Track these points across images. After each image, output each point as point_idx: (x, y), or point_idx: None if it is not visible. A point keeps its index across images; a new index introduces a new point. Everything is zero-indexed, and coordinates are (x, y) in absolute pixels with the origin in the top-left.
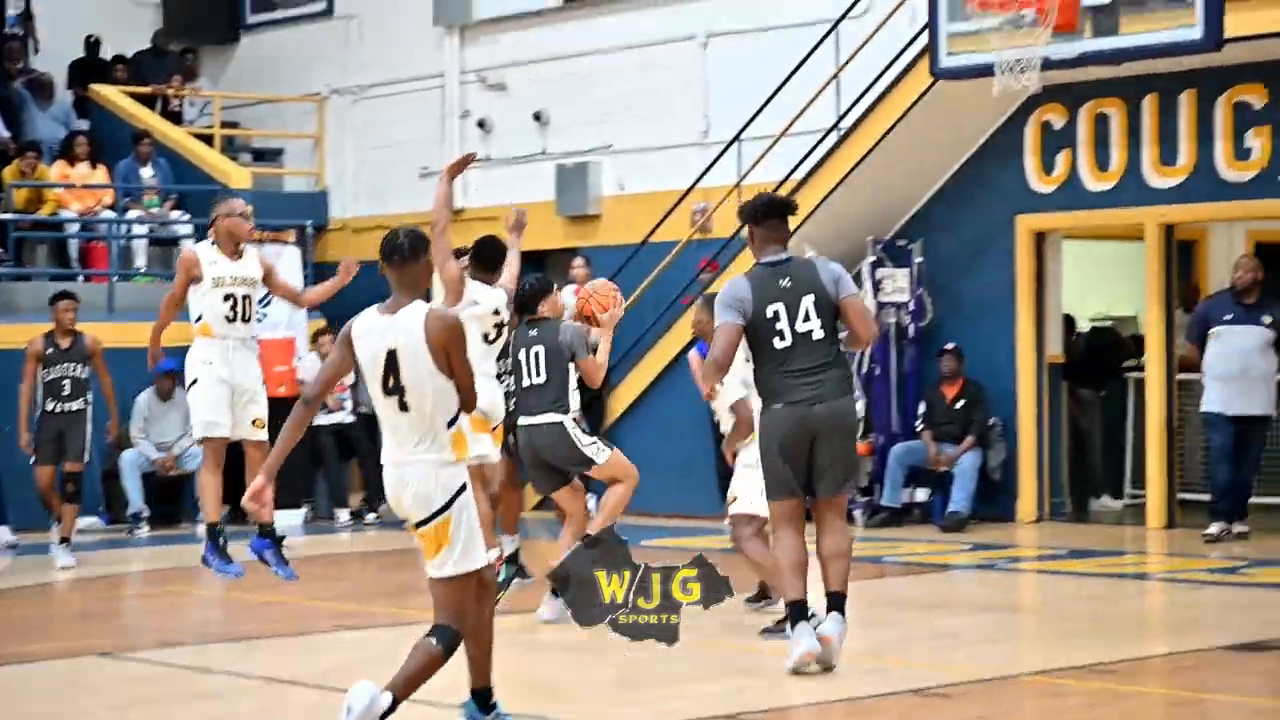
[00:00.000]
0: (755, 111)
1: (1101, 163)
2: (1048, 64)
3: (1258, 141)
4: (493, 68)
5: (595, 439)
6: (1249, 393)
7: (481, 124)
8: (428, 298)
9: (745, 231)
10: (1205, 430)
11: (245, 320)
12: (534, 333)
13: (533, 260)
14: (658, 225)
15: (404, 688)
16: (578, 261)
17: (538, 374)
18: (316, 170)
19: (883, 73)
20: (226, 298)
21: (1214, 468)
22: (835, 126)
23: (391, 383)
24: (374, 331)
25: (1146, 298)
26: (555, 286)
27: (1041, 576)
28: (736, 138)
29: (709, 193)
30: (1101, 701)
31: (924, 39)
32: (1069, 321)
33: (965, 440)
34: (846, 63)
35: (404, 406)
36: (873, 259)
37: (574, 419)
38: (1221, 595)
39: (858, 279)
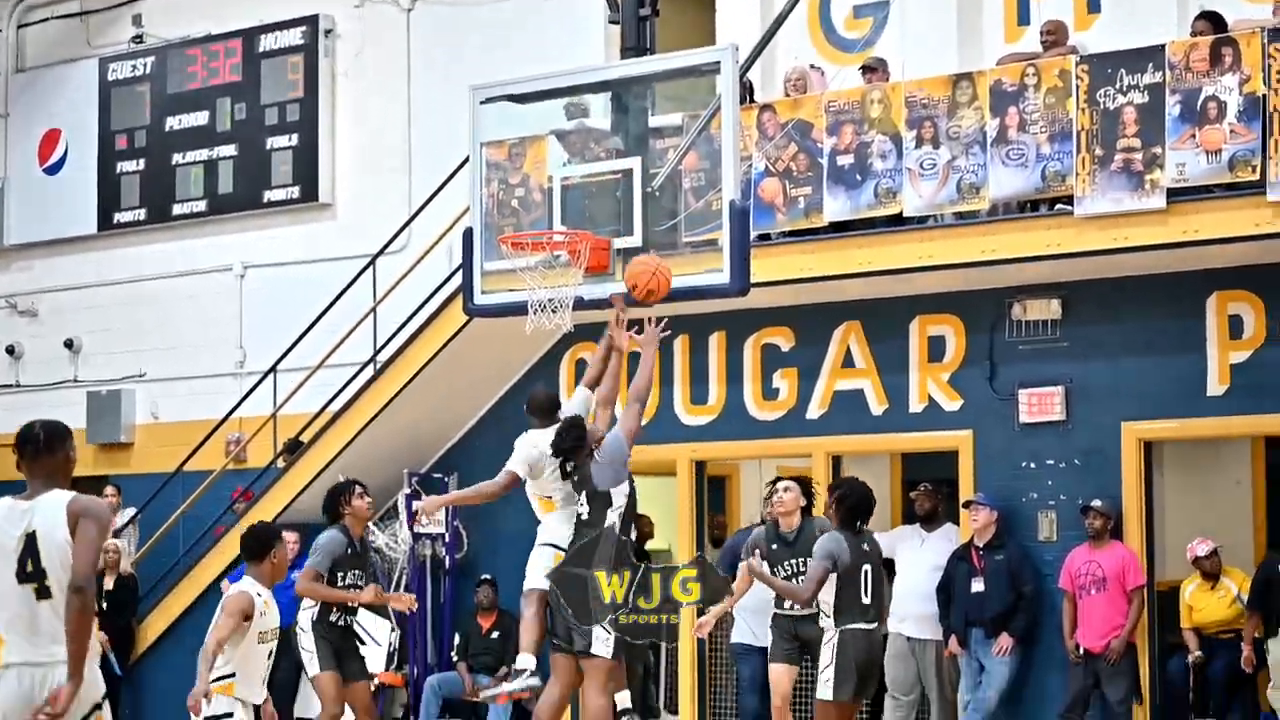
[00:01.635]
0: (292, 343)
1: None
2: (581, 304)
3: (785, 382)
4: (24, 294)
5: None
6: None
7: (11, 350)
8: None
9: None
10: (734, 662)
11: None
12: None
13: None
14: (191, 454)
15: None
16: (109, 490)
17: None
18: None
19: (420, 307)
20: None
21: (742, 699)
22: (372, 360)
23: (30, 568)
24: (10, 516)
25: (679, 531)
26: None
27: None
28: (273, 369)
29: (245, 422)
30: None
31: (460, 276)
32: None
33: (500, 671)
34: (383, 297)
35: (43, 593)
36: (408, 491)
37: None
38: None
39: (393, 510)
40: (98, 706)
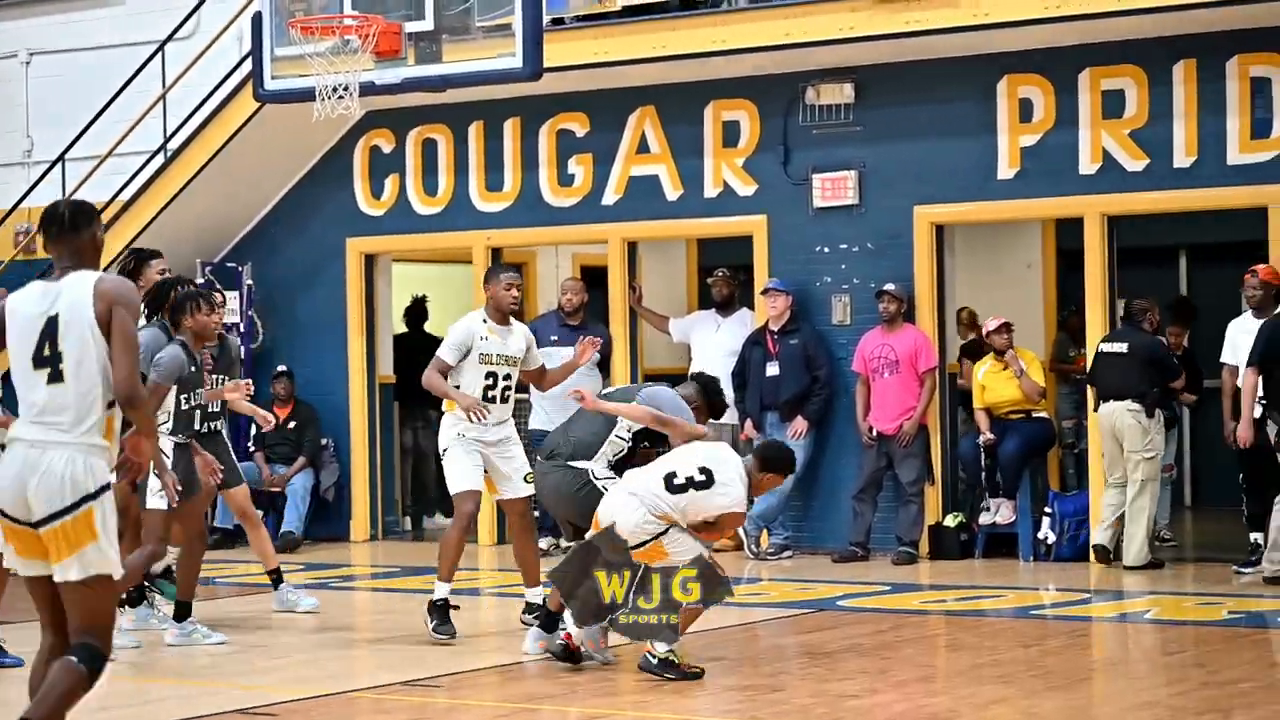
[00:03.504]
0: (80, 131)
1: (430, 187)
2: (373, 89)
3: (580, 168)
4: None
5: None
6: (574, 410)
7: None
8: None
9: None
10: (533, 448)
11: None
12: None
13: None
14: None
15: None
16: None
17: None
18: None
19: (210, 94)
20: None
21: None
22: (162, 148)
23: (48, 351)
24: (36, 298)
25: None
26: None
27: (374, 594)
28: (60, 158)
29: (33, 213)
30: (427, 714)
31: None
32: (402, 341)
33: (297, 461)
34: (173, 84)
35: (55, 377)
36: (202, 281)
37: None
38: None
39: None
40: (90, 497)
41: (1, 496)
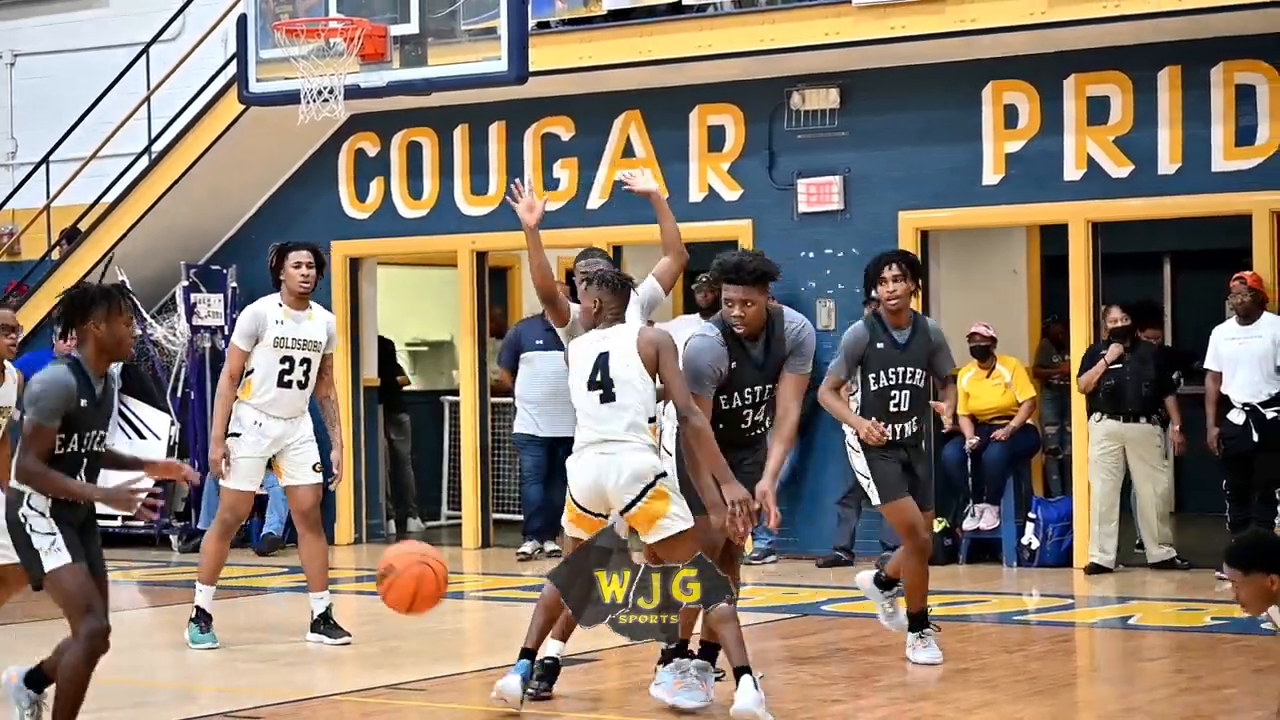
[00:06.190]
0: (64, 133)
1: (415, 191)
2: (358, 92)
3: (565, 173)
4: None
5: None
6: (559, 415)
7: None
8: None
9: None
10: (518, 452)
11: None
12: None
13: None
14: None
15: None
16: None
17: None
18: None
19: (195, 96)
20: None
21: (526, 488)
22: (147, 150)
23: (599, 378)
24: (587, 340)
25: (460, 323)
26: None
27: (359, 598)
28: (45, 160)
29: (17, 214)
30: (408, 718)
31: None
32: (388, 345)
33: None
34: (158, 86)
35: (607, 398)
36: (186, 283)
37: None
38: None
39: (171, 303)
40: (655, 480)
41: (582, 495)
